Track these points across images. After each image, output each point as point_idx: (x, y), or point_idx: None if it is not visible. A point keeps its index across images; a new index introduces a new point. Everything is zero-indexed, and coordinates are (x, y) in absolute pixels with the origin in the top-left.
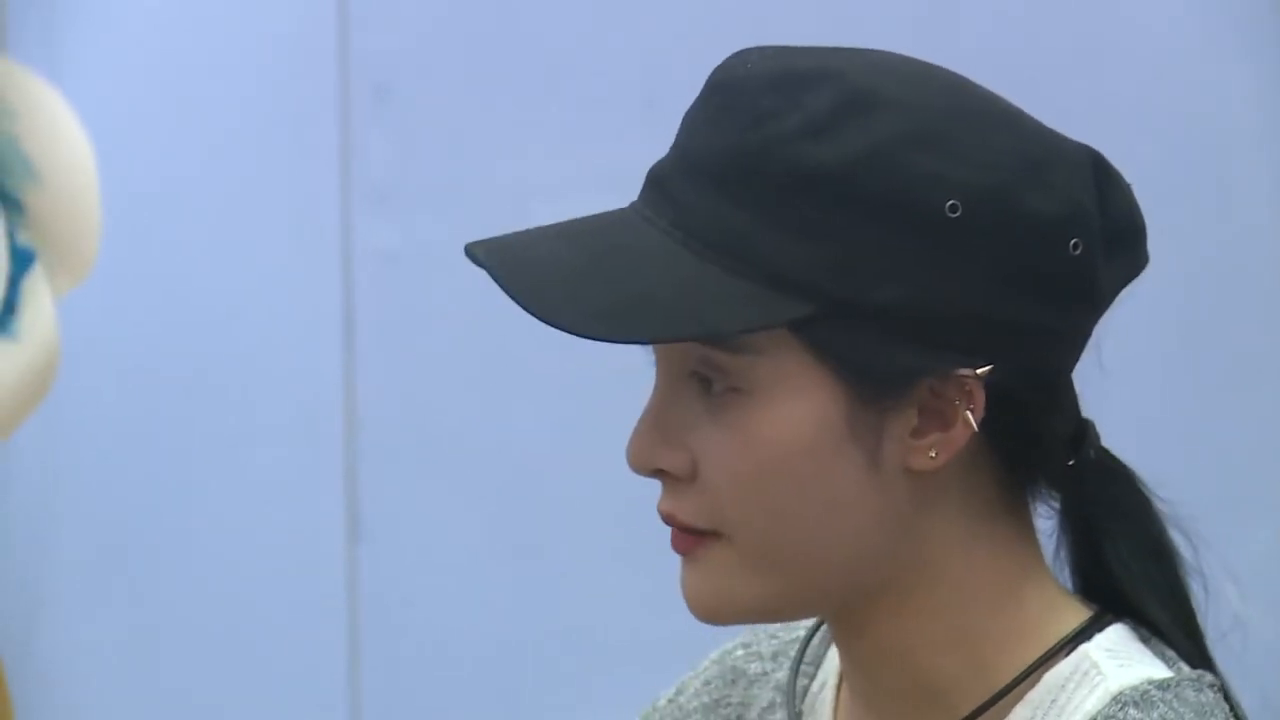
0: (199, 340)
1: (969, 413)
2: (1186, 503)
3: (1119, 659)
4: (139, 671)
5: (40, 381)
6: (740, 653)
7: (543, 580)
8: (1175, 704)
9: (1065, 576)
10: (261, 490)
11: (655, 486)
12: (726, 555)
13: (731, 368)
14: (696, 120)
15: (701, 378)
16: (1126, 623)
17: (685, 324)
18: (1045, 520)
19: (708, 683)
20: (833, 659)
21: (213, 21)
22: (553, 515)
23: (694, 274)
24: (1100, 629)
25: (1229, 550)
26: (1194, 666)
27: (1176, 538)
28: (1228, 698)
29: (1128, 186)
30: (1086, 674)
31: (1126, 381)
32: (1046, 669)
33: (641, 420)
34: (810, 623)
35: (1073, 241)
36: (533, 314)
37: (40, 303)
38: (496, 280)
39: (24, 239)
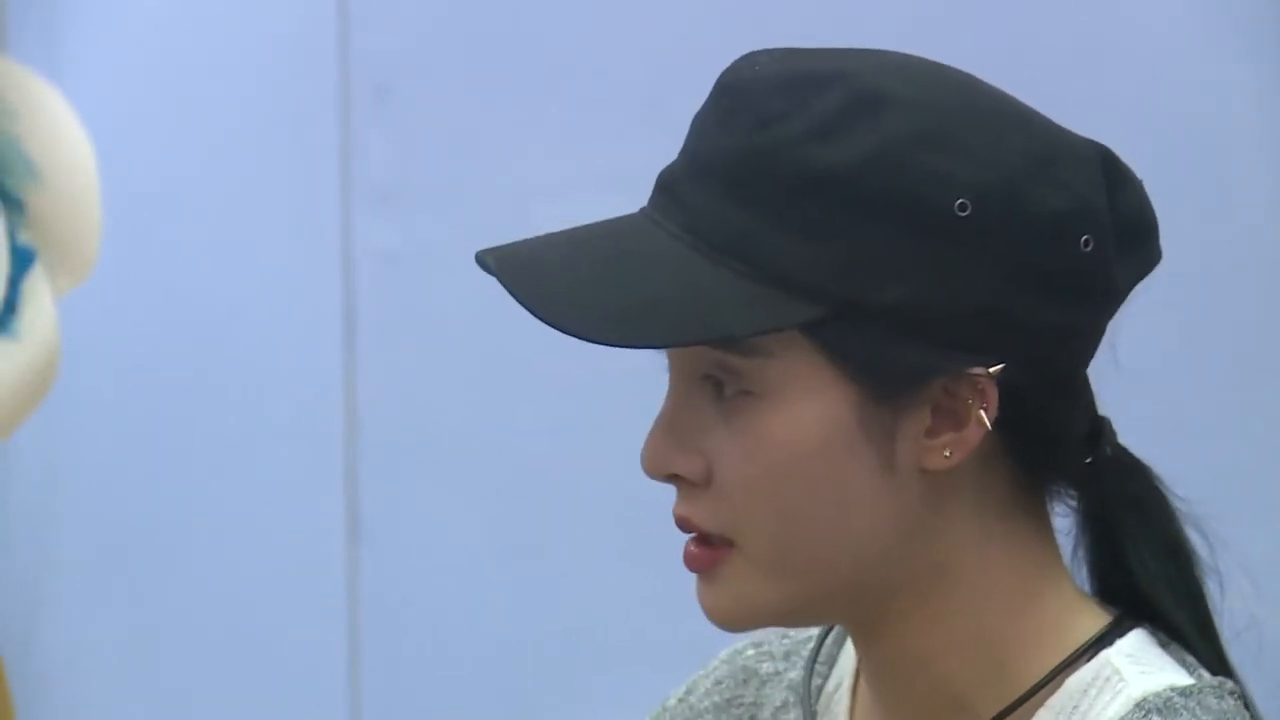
0: (199, 340)
1: (982, 411)
2: (1188, 502)
3: (1141, 665)
4: (139, 671)
5: (40, 381)
6: (751, 652)
7: (542, 581)
8: (1198, 711)
9: (1084, 576)
10: (262, 490)
11: (655, 487)
12: (741, 565)
13: (743, 370)
14: (705, 123)
15: (714, 381)
16: (1146, 627)
17: (694, 328)
18: (1064, 519)
19: (719, 682)
20: (847, 659)
21: (213, 21)
22: (553, 516)
23: (703, 277)
24: (1121, 634)
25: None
26: (1213, 672)
27: (1193, 537)
28: (1248, 705)
29: (1139, 182)
30: (1108, 680)
31: (1124, 381)
32: (1068, 674)
33: (656, 425)
34: None
35: (1083, 238)
36: (542, 320)
37: (40, 302)
38: (505, 287)
39: (24, 238)
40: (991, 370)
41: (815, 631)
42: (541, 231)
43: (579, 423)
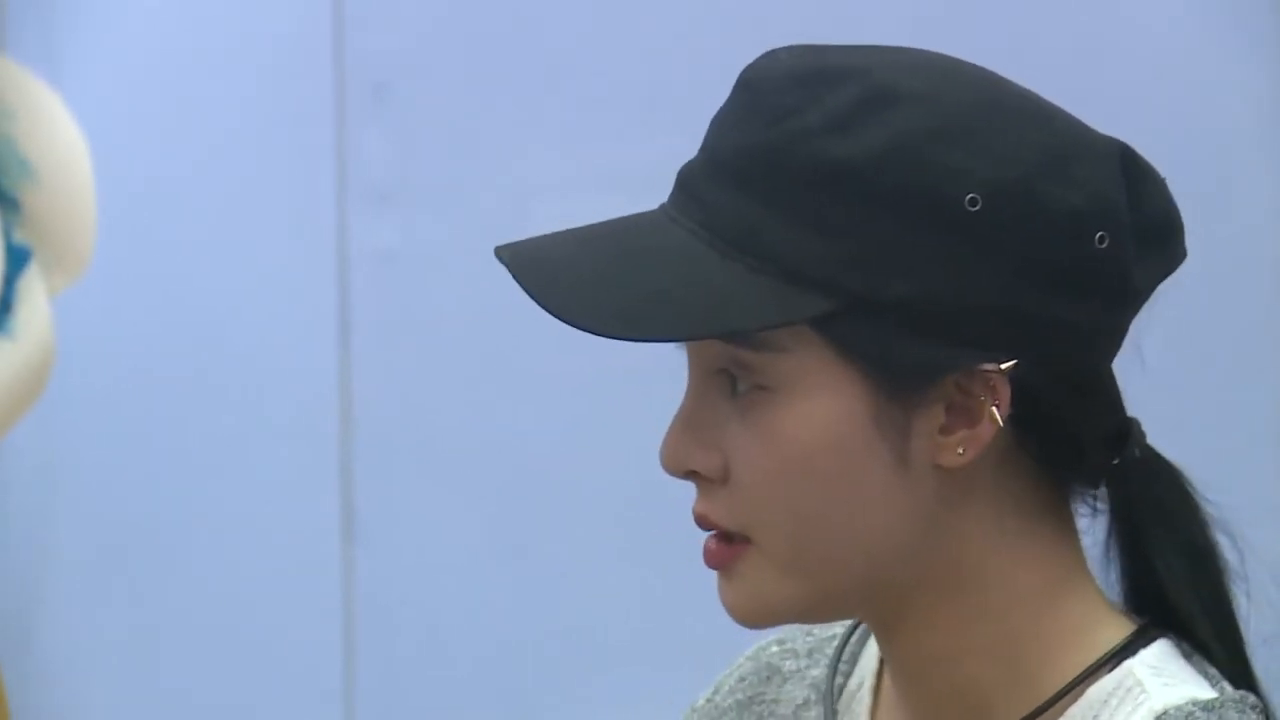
0: (195, 340)
1: (994, 408)
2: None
3: (1163, 677)
4: (135, 671)
5: (35, 380)
6: (775, 649)
7: (538, 581)
8: None
9: (1115, 579)
10: (257, 490)
11: (651, 487)
12: (758, 562)
13: (756, 365)
14: (724, 119)
15: (729, 376)
16: (1171, 637)
17: (703, 322)
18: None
19: (742, 679)
20: (869, 658)
21: (210, 21)
22: (548, 516)
23: (716, 272)
24: (1145, 644)
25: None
26: (1236, 685)
27: (1223, 543)
28: (1270, 719)
29: (1161, 181)
30: (1130, 691)
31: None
32: (1089, 683)
33: (674, 421)
34: (848, 621)
35: (1099, 235)
36: (552, 313)
37: (35, 301)
38: (517, 280)
39: (20, 237)
40: (1003, 367)
41: (840, 629)
42: (539, 232)
43: (575, 423)
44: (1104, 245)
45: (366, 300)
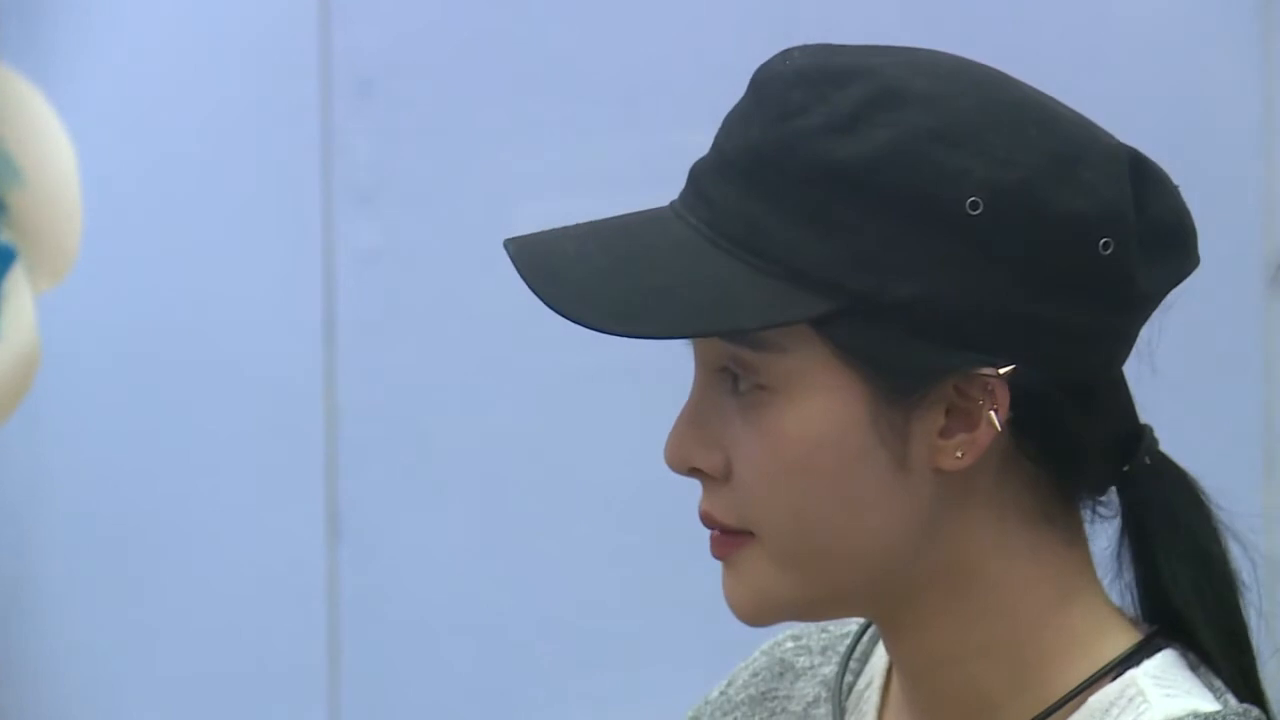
0: (179, 338)
1: (992, 413)
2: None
3: (1166, 687)
4: (119, 670)
5: (21, 379)
6: (790, 645)
7: (523, 579)
8: None
9: (1126, 587)
10: (242, 489)
11: (637, 485)
12: (759, 556)
13: (756, 364)
14: (734, 117)
15: (731, 374)
16: (1176, 648)
17: (702, 320)
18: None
19: (756, 674)
20: (879, 657)
21: (194, 18)
22: (533, 515)
23: (718, 270)
24: (1150, 654)
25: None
26: (1241, 697)
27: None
28: None
29: (1174, 187)
30: (1132, 700)
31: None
32: (1092, 691)
33: (679, 419)
34: (862, 619)
35: (1103, 241)
36: (552, 308)
37: (21, 301)
38: (521, 274)
39: (5, 237)
40: (1002, 371)
41: (854, 628)
42: (524, 230)
43: (561, 421)
44: (1108, 251)
45: (352, 298)
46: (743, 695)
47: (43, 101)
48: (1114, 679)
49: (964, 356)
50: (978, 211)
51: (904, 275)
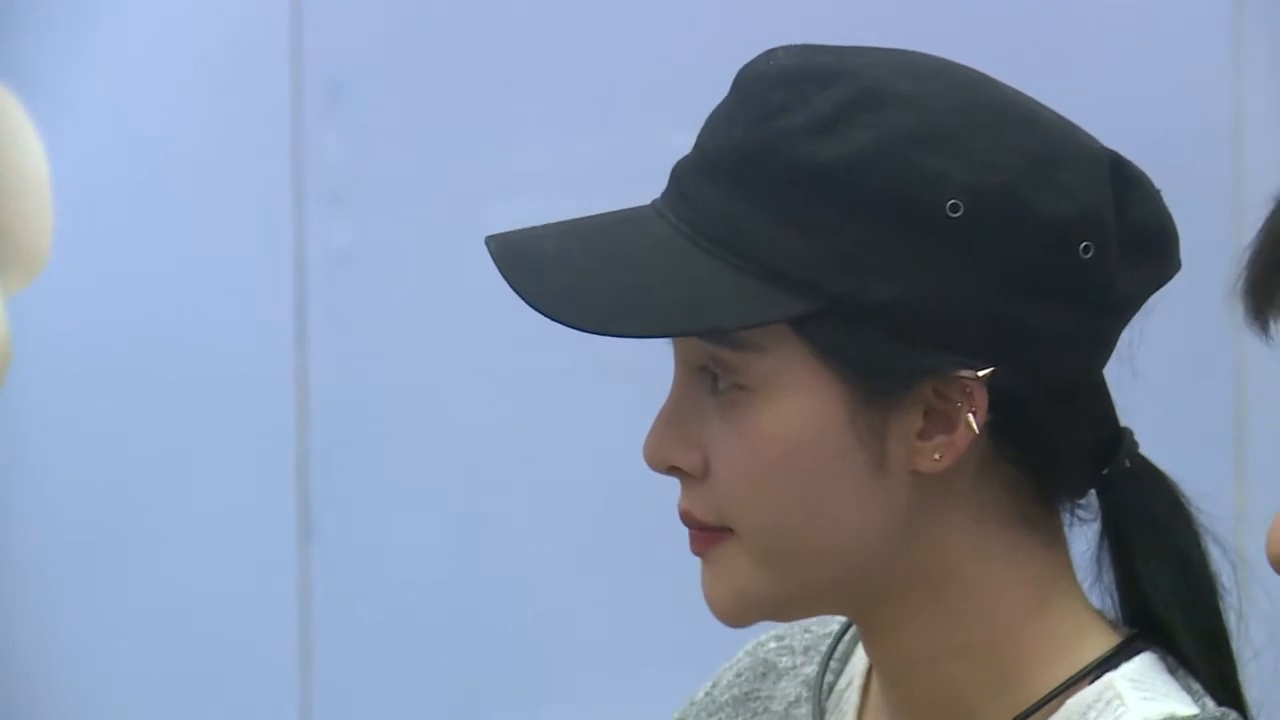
0: (151, 339)
1: (971, 416)
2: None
3: (1143, 691)
4: (89, 669)
5: None
6: (773, 645)
7: (497, 580)
8: None
9: (1106, 590)
10: (214, 489)
11: (613, 486)
12: (737, 553)
13: (734, 364)
14: (717, 117)
15: (710, 373)
16: (1155, 651)
17: (681, 319)
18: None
19: (739, 674)
20: (860, 658)
21: (164, 21)
22: (506, 515)
23: (698, 270)
24: (1128, 657)
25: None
26: (1220, 700)
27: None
28: None
29: (1156, 191)
30: (1109, 703)
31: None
32: (1070, 694)
33: (658, 418)
34: (844, 619)
35: (1083, 245)
36: (532, 306)
37: None
38: (501, 272)
39: None
40: (981, 374)
41: (835, 628)
42: (495, 230)
43: (536, 420)
44: (1089, 255)
45: (323, 299)
46: (727, 696)
47: (11, 101)
48: (1092, 682)
49: (942, 359)
50: (958, 214)
51: (883, 277)
